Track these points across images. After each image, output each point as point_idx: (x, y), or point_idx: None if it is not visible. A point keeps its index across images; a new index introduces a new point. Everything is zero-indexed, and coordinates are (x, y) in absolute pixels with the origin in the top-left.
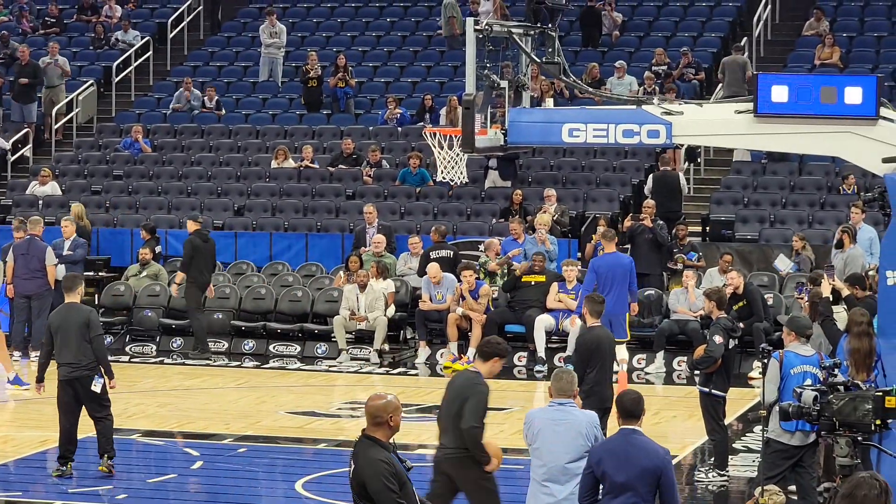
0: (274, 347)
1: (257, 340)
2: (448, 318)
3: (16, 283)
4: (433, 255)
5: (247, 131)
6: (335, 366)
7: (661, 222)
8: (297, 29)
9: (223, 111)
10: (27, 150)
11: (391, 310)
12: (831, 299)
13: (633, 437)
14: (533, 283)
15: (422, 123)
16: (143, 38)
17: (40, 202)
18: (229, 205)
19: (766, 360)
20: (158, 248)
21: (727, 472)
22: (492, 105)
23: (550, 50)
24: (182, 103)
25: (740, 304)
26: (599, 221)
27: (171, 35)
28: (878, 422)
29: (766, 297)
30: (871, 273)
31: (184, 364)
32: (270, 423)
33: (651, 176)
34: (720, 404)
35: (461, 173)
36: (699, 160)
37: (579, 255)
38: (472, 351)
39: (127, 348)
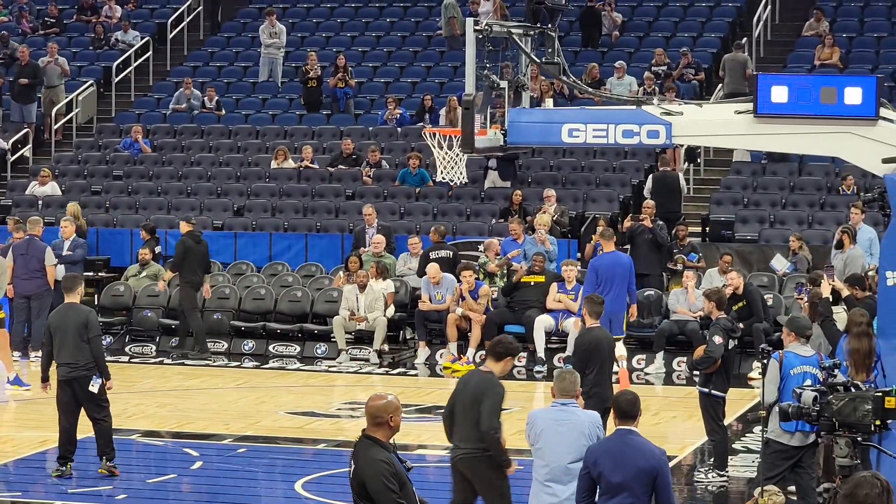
0: (274, 348)
1: (257, 341)
2: (448, 318)
3: (15, 284)
4: (433, 255)
5: (247, 131)
6: (335, 366)
7: (661, 223)
8: (297, 29)
9: (223, 111)
10: (27, 151)
11: (391, 310)
12: (831, 300)
13: (630, 438)
14: (532, 283)
15: (421, 124)
16: (142, 38)
17: (40, 202)
18: (229, 205)
19: (765, 361)
20: (158, 249)
21: (727, 472)
22: (491, 105)
23: (550, 50)
24: (182, 103)
25: (740, 304)
26: (599, 222)
27: (171, 35)
28: (877, 422)
29: (765, 297)
30: (870, 273)
31: (183, 364)
32: (270, 423)
33: (651, 176)
34: (720, 405)
35: (461, 174)
36: (699, 160)
37: (579, 255)
38: (471, 351)
39: (126, 348)
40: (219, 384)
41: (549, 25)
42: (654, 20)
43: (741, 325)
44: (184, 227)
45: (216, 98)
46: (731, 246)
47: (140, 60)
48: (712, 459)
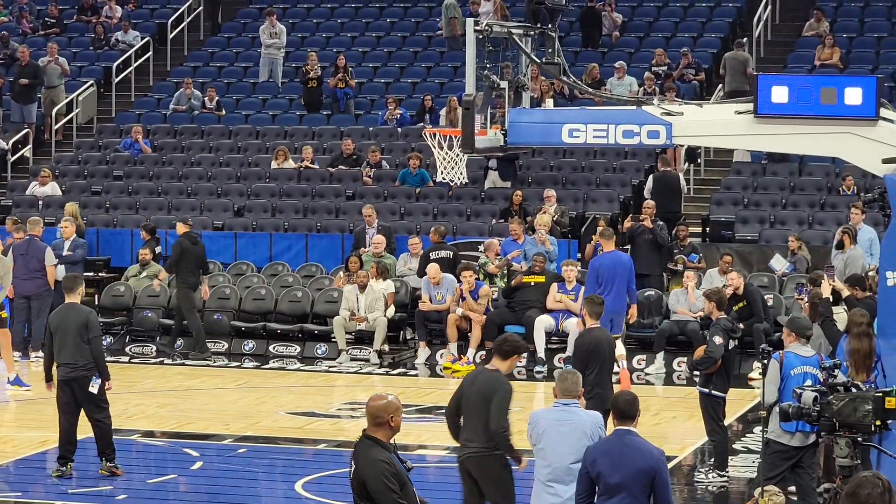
0: (274, 348)
1: (257, 341)
2: (448, 318)
3: (15, 284)
4: (433, 255)
5: (247, 132)
6: (335, 366)
7: (661, 223)
8: (297, 29)
9: (223, 112)
10: (27, 151)
11: (391, 310)
12: (831, 300)
13: (628, 438)
14: (533, 283)
15: (422, 124)
16: (143, 38)
17: (40, 202)
18: (229, 205)
19: (766, 361)
20: (158, 249)
21: (727, 472)
22: (492, 105)
23: (550, 50)
24: (182, 104)
25: (740, 304)
26: (599, 222)
27: (171, 35)
28: (877, 422)
29: (766, 297)
30: (871, 274)
31: (183, 364)
32: (270, 423)
33: (651, 176)
34: (720, 405)
35: (461, 174)
36: (699, 161)
37: (579, 255)
38: (471, 352)
39: (127, 349)
40: (219, 384)
41: (550, 26)
42: (655, 20)
43: (741, 326)
44: (180, 229)
45: (216, 98)
46: (731, 246)
47: (140, 61)
48: (712, 460)
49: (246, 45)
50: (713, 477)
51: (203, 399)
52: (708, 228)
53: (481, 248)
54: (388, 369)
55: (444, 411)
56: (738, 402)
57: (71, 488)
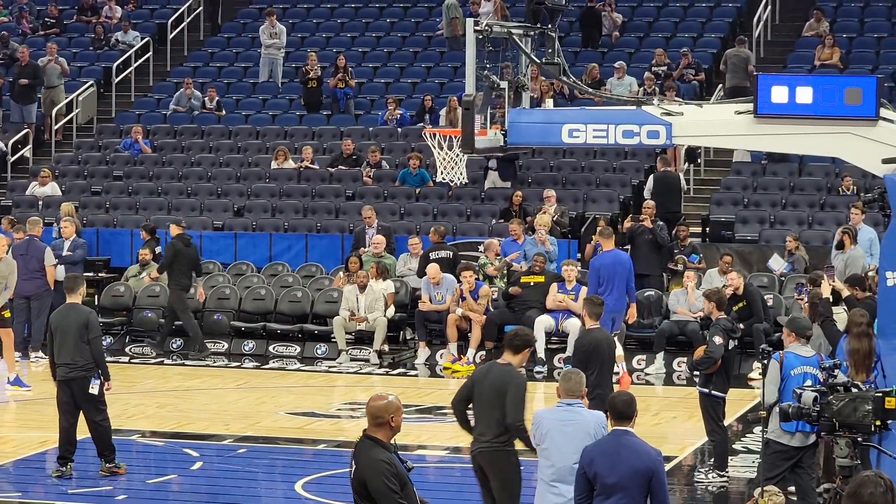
0: (274, 348)
1: (257, 341)
2: (448, 318)
3: (15, 284)
4: (433, 255)
5: (247, 132)
6: (335, 366)
7: (661, 223)
8: (297, 30)
9: (223, 112)
10: (27, 151)
11: (391, 310)
12: (831, 300)
13: (625, 438)
14: (532, 283)
15: (422, 124)
16: (142, 38)
17: (40, 203)
18: (229, 205)
19: (766, 361)
20: (158, 249)
21: (727, 472)
22: (492, 106)
23: (550, 50)
24: (182, 104)
25: (740, 304)
26: (599, 222)
27: (171, 36)
28: (877, 423)
29: (765, 297)
30: (870, 274)
31: (183, 365)
32: (270, 423)
33: (651, 176)
34: (720, 405)
35: (461, 174)
36: (699, 161)
37: (579, 255)
38: (471, 352)
39: (127, 349)
40: (219, 384)
41: (550, 26)
42: (654, 20)
43: (741, 326)
44: (174, 230)
45: (216, 98)
46: (731, 246)
47: (140, 61)
48: (712, 460)
49: (246, 46)
50: (713, 477)
51: (203, 399)
52: (708, 228)
53: (481, 248)
54: (387, 369)
55: (444, 411)
56: (737, 403)
57: (71, 488)
